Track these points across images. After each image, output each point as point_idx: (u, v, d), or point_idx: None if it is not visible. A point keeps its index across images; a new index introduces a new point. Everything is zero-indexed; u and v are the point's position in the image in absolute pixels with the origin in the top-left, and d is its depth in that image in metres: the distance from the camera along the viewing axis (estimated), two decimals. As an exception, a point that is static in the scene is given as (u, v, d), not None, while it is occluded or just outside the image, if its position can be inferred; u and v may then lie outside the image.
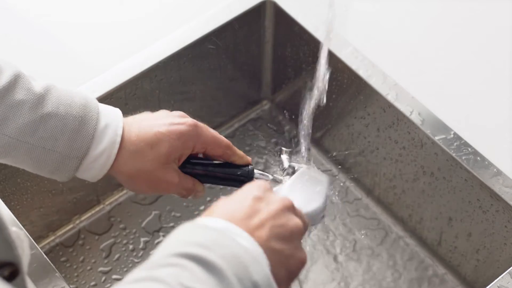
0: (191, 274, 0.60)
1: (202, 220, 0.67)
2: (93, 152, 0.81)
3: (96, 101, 0.84)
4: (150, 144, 0.83)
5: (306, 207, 0.84)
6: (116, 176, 0.85)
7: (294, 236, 0.70)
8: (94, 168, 0.82)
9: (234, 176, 0.88)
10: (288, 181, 0.88)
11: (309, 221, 0.78)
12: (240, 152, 0.89)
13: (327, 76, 1.00)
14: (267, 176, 0.90)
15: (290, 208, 0.72)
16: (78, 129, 0.80)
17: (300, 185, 0.88)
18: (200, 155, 0.88)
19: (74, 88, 0.85)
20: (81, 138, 0.80)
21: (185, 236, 0.65)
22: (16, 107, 0.79)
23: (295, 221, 0.71)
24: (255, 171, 0.89)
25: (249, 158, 0.90)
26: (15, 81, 0.79)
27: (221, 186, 1.10)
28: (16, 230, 0.69)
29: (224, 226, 0.66)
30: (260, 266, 0.64)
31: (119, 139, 0.82)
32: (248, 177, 0.89)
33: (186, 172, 0.87)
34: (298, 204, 0.75)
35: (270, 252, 0.66)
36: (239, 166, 0.89)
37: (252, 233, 0.67)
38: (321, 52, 1.00)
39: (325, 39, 1.02)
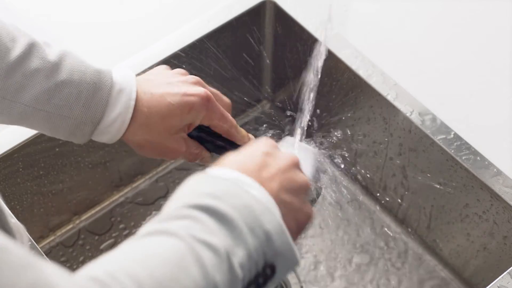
0: (202, 226, 0.61)
1: (213, 171, 0.68)
2: (107, 117, 0.82)
3: (109, 68, 0.85)
4: (161, 116, 0.83)
5: None
6: (126, 142, 0.86)
7: (302, 191, 0.72)
8: (109, 132, 0.83)
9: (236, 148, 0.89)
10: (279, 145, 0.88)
11: None
12: (243, 132, 0.90)
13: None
14: None
15: (297, 165, 0.73)
16: (93, 95, 0.81)
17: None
18: None
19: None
20: (95, 104, 0.81)
21: (196, 186, 0.66)
22: (31, 76, 0.79)
23: (301, 176, 0.73)
24: None
25: (251, 137, 0.91)
26: (30, 50, 0.80)
27: None
28: (16, 222, 0.69)
29: (236, 177, 0.67)
30: (272, 215, 0.65)
31: (133, 103, 0.82)
32: None
33: (193, 136, 0.88)
34: None
35: (280, 204, 0.68)
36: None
37: (263, 184, 0.68)
38: (319, 49, 1.00)
39: (322, 33, 1.02)
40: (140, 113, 0.83)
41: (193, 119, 0.85)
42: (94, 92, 0.81)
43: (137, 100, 0.83)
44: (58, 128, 0.82)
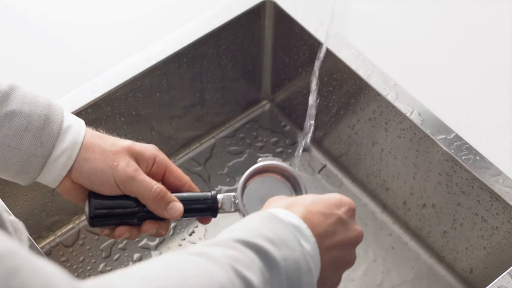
0: (249, 262, 0.63)
1: (280, 212, 0.70)
2: (56, 150, 0.80)
3: (60, 104, 0.83)
4: (106, 158, 0.81)
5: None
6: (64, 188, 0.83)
7: (345, 269, 0.76)
8: (55, 168, 0.81)
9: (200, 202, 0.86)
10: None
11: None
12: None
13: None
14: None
15: (358, 243, 0.76)
16: (43, 127, 0.80)
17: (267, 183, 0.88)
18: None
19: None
20: (46, 136, 0.80)
21: (258, 224, 0.68)
22: None
23: (354, 256, 0.76)
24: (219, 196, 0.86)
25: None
26: None
27: None
28: (14, 221, 0.69)
29: (298, 225, 0.70)
30: (312, 277, 0.68)
31: (81, 139, 0.81)
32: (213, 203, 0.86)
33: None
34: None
35: (322, 272, 0.71)
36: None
37: (320, 250, 0.71)
38: (320, 51, 1.01)
39: (326, 37, 1.03)
40: (85, 151, 0.81)
41: (143, 156, 0.83)
42: (45, 124, 0.80)
43: (85, 139, 0.81)
44: (7, 161, 0.80)
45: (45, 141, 0.80)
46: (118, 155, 0.81)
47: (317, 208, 0.73)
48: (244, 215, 0.85)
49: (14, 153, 0.79)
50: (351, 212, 0.76)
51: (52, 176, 0.81)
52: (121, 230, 0.84)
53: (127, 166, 0.81)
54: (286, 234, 0.67)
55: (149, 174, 0.84)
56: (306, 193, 0.86)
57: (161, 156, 0.85)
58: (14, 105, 0.79)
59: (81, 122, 0.83)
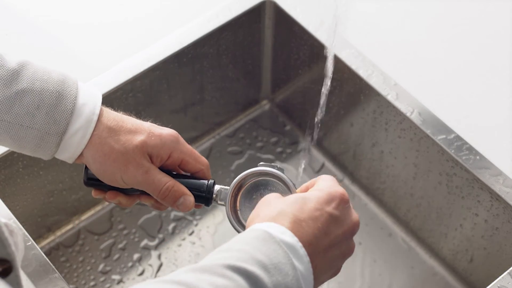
0: None
1: (274, 229, 0.68)
2: (72, 127, 0.79)
3: (75, 78, 0.81)
4: (126, 131, 0.80)
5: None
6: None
7: (344, 260, 0.73)
8: (71, 146, 0.79)
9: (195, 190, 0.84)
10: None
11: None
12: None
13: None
14: (226, 188, 0.84)
15: (355, 231, 0.73)
16: (56, 104, 0.78)
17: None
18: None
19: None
20: (59, 113, 0.78)
21: (251, 246, 0.66)
22: None
23: (351, 246, 0.73)
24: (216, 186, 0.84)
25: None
26: None
27: None
28: (8, 223, 0.69)
29: (292, 244, 0.67)
30: None
31: (96, 118, 0.79)
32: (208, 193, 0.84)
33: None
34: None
35: (317, 280, 0.69)
36: (198, 180, 0.85)
37: (315, 257, 0.68)
38: (327, 56, 1.01)
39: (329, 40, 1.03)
40: (94, 151, 0.79)
41: (161, 146, 0.81)
42: (58, 101, 0.78)
43: (93, 135, 0.79)
44: (22, 140, 0.78)
45: (59, 118, 0.78)
46: (128, 157, 0.80)
47: (305, 213, 0.70)
48: (228, 216, 0.83)
49: (28, 132, 0.78)
50: (343, 204, 0.72)
51: (68, 154, 0.80)
52: (112, 195, 0.84)
53: (136, 169, 0.80)
54: (279, 257, 0.65)
55: (163, 165, 0.83)
56: None
57: (178, 151, 0.83)
58: (25, 83, 0.78)
59: (97, 99, 0.81)
